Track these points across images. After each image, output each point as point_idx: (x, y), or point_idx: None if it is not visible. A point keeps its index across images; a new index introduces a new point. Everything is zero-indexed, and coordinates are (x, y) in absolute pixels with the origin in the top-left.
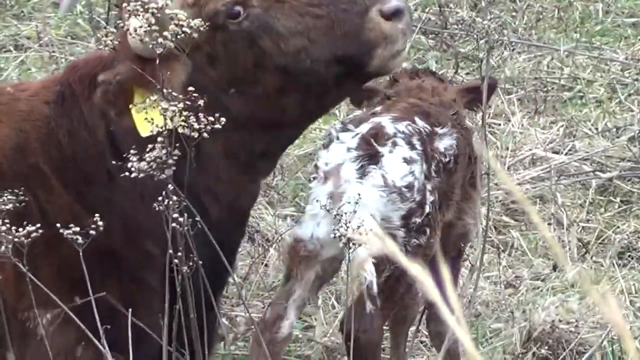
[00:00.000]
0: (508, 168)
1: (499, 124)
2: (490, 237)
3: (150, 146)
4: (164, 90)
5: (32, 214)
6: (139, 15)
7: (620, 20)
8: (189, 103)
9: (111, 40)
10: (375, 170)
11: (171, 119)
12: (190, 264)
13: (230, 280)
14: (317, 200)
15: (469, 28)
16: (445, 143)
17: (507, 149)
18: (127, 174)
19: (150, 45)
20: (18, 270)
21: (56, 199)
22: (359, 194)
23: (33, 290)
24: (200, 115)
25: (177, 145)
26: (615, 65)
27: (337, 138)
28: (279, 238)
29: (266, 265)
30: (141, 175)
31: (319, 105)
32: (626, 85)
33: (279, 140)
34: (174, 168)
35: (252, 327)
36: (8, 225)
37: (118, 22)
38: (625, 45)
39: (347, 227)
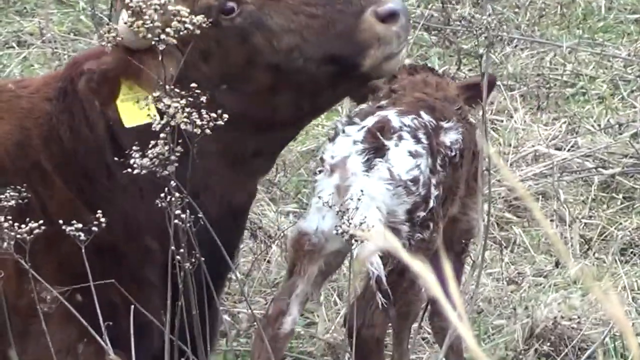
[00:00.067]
0: (510, 164)
1: (502, 121)
2: (492, 233)
3: (152, 142)
4: (166, 87)
5: (34, 211)
6: (141, 11)
7: (623, 16)
8: (191, 99)
9: (113, 37)
10: (382, 163)
11: (173, 116)
12: (193, 260)
13: (233, 276)
14: (319, 197)
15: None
16: (450, 137)
17: (510, 145)
18: (129, 170)
19: (139, 37)
20: (19, 267)
21: (57, 195)
22: (362, 191)
23: (34, 287)
24: (203, 111)
25: (180, 141)
26: (618, 61)
27: (343, 131)
28: (282, 234)
29: (268, 261)
30: (143, 171)
31: (312, 105)
32: (629, 81)
33: (273, 139)
34: (176, 164)
35: (255, 323)
36: (10, 221)
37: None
38: (628, 41)
39: (350, 223)
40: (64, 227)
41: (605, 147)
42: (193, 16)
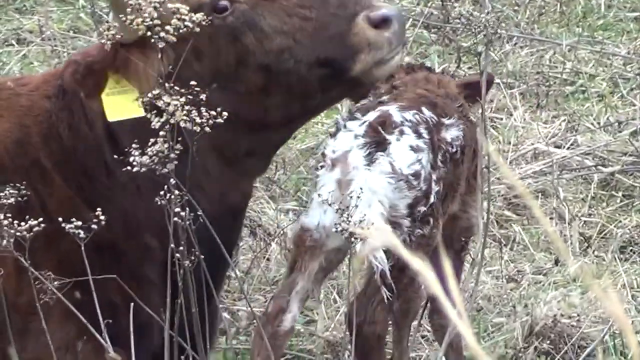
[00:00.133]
0: (510, 162)
1: (501, 118)
2: (492, 231)
3: (152, 140)
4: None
5: (33, 208)
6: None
7: (622, 14)
8: (190, 97)
9: (113, 34)
10: (383, 157)
11: (173, 113)
12: (192, 258)
13: (232, 274)
14: (319, 194)
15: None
16: (451, 134)
17: (509, 143)
18: (129, 168)
19: (124, 30)
20: (19, 265)
21: (57, 193)
22: (361, 189)
23: (34, 285)
24: (202, 109)
25: (180, 139)
26: (618, 59)
27: (345, 126)
28: (281, 232)
29: (268, 259)
30: (143, 169)
31: (304, 107)
32: (628, 79)
33: (266, 139)
34: (176, 162)
35: (254, 321)
36: (10, 219)
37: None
38: (628, 39)
39: (349, 221)
40: (63, 225)
41: (604, 145)
42: (192, 14)
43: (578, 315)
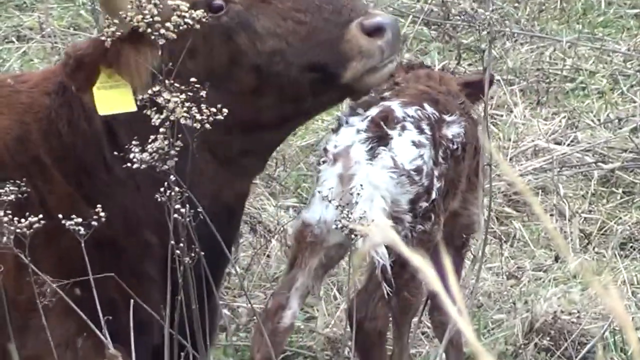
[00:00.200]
0: (510, 159)
1: (501, 115)
2: (492, 228)
3: (152, 137)
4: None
5: (33, 205)
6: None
7: (622, 11)
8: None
9: (113, 31)
10: (385, 152)
11: (173, 110)
12: (192, 254)
13: (232, 271)
14: (321, 188)
15: (471, 19)
16: (453, 130)
17: (510, 140)
18: (129, 164)
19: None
20: (18, 261)
21: (56, 190)
22: (361, 185)
23: (33, 281)
24: (203, 106)
25: (180, 136)
26: (618, 56)
27: (347, 122)
28: (281, 229)
29: (268, 256)
30: (143, 166)
31: (295, 111)
32: (628, 76)
33: (259, 140)
34: (176, 159)
35: (254, 317)
36: (10, 216)
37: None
38: (628, 36)
39: (349, 218)
40: (63, 222)
41: (604, 142)
42: (192, 11)
43: (578, 311)
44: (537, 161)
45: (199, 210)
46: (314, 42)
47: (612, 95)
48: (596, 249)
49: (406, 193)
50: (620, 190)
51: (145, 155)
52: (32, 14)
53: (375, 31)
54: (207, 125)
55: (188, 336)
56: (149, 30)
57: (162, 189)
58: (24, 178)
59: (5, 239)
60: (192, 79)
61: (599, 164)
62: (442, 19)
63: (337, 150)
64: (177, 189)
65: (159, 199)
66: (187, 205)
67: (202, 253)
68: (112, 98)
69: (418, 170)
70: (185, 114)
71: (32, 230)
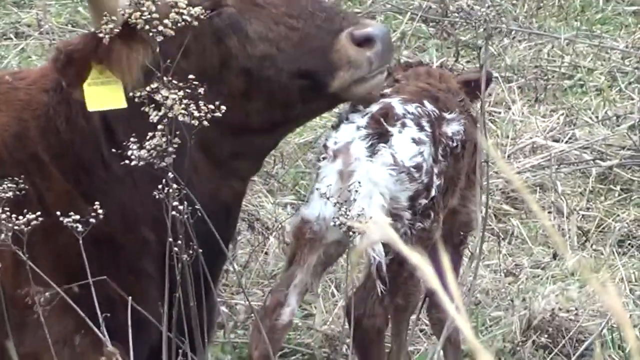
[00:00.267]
0: (508, 156)
1: (499, 112)
2: (490, 225)
3: (150, 134)
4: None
5: (31, 202)
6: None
7: (620, 8)
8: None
9: (111, 28)
10: (385, 149)
11: (171, 107)
12: (190, 252)
13: (230, 268)
14: (318, 187)
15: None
16: (453, 128)
17: (508, 137)
18: (126, 161)
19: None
20: (17, 258)
21: (55, 187)
22: (359, 182)
23: (32, 278)
24: (201, 103)
25: (178, 133)
26: (616, 53)
27: (347, 118)
28: (279, 226)
29: (266, 253)
30: (141, 163)
31: (284, 117)
32: (626, 73)
33: (250, 143)
34: (174, 156)
35: (252, 315)
36: (8, 213)
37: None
38: (626, 33)
39: (348, 215)
40: (61, 219)
41: (602, 139)
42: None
43: (576, 309)
44: (535, 158)
45: (196, 207)
46: (304, 49)
47: (610, 92)
48: (594, 247)
49: (406, 190)
50: (618, 188)
51: (143, 152)
52: (30, 11)
53: (364, 42)
54: (205, 122)
55: (186, 333)
56: (147, 27)
57: (160, 186)
58: (22, 175)
59: (3, 236)
60: (190, 76)
61: (597, 161)
62: (440, 16)
63: (337, 146)
64: (175, 186)
65: (157, 196)
66: (185, 203)
67: (200, 250)
68: (102, 94)
69: (418, 168)
70: (183, 111)
71: (29, 228)
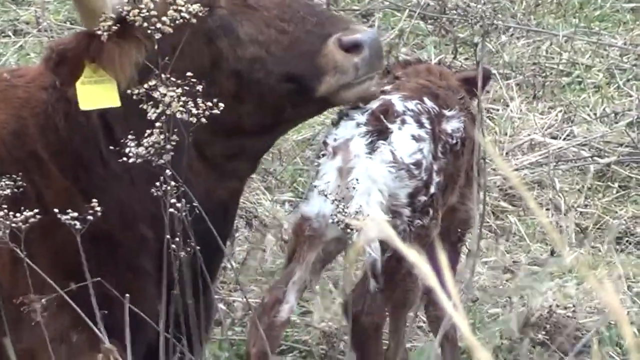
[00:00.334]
0: (506, 153)
1: (497, 109)
2: (488, 222)
3: (148, 131)
4: (163, 75)
5: (29, 200)
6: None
7: (619, 5)
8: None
9: (109, 26)
10: (385, 146)
11: (169, 104)
12: (188, 249)
13: (228, 265)
14: (316, 184)
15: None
16: (452, 125)
17: (506, 134)
18: (124, 158)
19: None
20: (14, 256)
21: (53, 184)
22: (357, 180)
23: (29, 275)
24: (199, 100)
25: (176, 130)
26: (614, 50)
27: (347, 115)
28: (277, 223)
29: (264, 250)
30: (139, 160)
31: (275, 119)
32: (625, 70)
33: (242, 145)
34: (172, 153)
35: (250, 312)
36: (5, 210)
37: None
38: (624, 30)
39: (346, 212)
40: (59, 216)
41: (601, 136)
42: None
43: (574, 306)
44: (533, 155)
45: (194, 204)
46: (294, 53)
47: (608, 89)
48: (592, 243)
49: (405, 187)
50: (616, 185)
51: (141, 150)
52: (29, 8)
53: (352, 48)
54: (203, 120)
55: (184, 331)
56: (145, 24)
57: (157, 184)
58: (20, 173)
59: (1, 233)
60: (188, 74)
61: (595, 158)
62: (438, 13)
63: (337, 143)
64: (172, 183)
65: (155, 194)
66: (183, 200)
67: (198, 247)
68: (96, 93)
69: (417, 165)
70: (181, 109)
71: (27, 225)
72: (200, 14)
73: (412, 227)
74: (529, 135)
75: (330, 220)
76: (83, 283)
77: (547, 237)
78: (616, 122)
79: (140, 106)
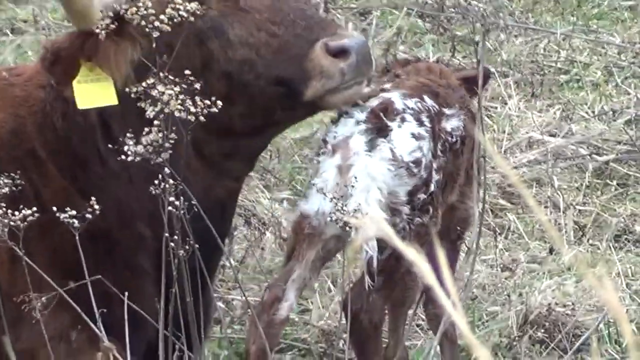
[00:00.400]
0: (505, 151)
1: (496, 107)
2: (486, 220)
3: (146, 129)
4: (161, 74)
5: (28, 198)
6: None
7: (617, 3)
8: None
9: (107, 24)
10: (384, 144)
11: (167, 103)
12: (186, 247)
13: (227, 263)
14: (314, 182)
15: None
16: (452, 124)
17: (504, 132)
18: (123, 157)
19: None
20: (13, 254)
21: (51, 183)
22: (356, 177)
23: (28, 274)
24: (197, 98)
25: (174, 128)
26: (612, 48)
27: (346, 113)
28: (276, 221)
29: (262, 248)
30: (137, 158)
31: (266, 121)
32: (622, 68)
33: (237, 146)
34: (170, 152)
35: (249, 310)
36: (4, 209)
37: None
38: (622, 28)
39: (344, 210)
40: (57, 215)
41: (599, 134)
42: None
43: (572, 303)
44: (531, 153)
45: (193, 203)
46: (283, 56)
47: (607, 87)
48: (590, 241)
49: (404, 185)
50: (614, 182)
51: (139, 148)
52: (27, 7)
53: (339, 53)
54: (202, 118)
55: (182, 329)
56: (143, 22)
57: (156, 182)
58: (18, 171)
59: None
60: (187, 72)
61: (594, 156)
62: (436, 11)
63: (336, 141)
64: (171, 181)
65: (153, 192)
66: (182, 198)
67: (196, 246)
68: (92, 92)
69: (417, 163)
70: (179, 107)
71: (25, 223)
72: (198, 12)
73: (412, 225)
74: (527, 133)
75: (329, 218)
76: (82, 281)
77: (545, 235)
78: (614, 120)
79: (138, 104)
